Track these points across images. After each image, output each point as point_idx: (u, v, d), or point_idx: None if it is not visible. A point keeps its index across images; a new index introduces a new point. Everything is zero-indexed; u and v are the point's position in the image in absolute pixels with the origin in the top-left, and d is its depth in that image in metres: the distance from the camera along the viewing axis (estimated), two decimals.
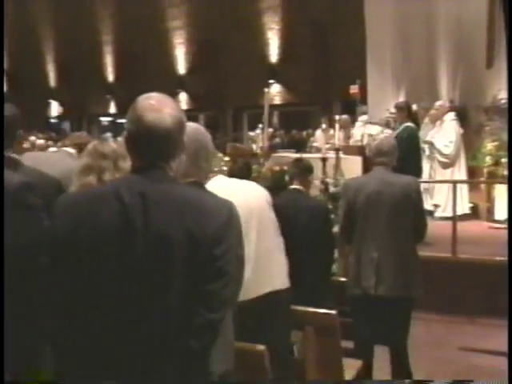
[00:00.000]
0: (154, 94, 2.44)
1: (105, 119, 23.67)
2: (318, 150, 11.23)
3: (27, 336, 2.70)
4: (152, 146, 2.38)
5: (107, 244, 2.28)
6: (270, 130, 13.77)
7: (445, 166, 10.98)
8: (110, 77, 23.36)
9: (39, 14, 24.98)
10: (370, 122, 12.33)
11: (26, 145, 8.73)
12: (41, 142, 12.44)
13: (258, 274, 3.70)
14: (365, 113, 13.01)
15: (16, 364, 2.69)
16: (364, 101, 14.23)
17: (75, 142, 5.01)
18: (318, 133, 14.09)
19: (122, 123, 19.79)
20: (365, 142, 10.56)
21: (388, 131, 10.56)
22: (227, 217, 2.39)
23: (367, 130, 11.52)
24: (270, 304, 3.82)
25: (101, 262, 2.29)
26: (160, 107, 2.38)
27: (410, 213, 5.12)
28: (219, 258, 2.31)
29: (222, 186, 3.45)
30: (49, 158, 5.50)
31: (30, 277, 2.62)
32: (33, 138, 13.66)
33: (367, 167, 7.80)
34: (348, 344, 5.01)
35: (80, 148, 4.80)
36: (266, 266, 3.79)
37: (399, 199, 5.08)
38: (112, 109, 23.19)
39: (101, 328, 2.30)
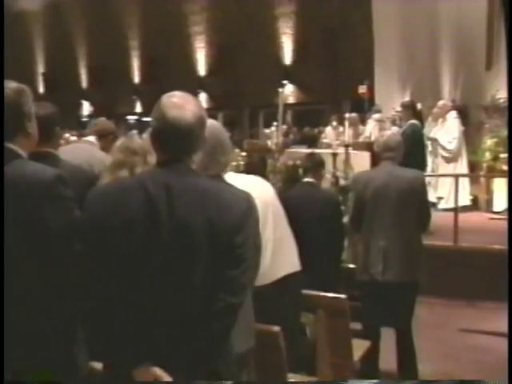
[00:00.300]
0: (176, 93, 2.44)
1: (131, 118, 23.68)
2: (329, 145, 11.24)
3: (59, 320, 2.70)
4: (174, 141, 2.38)
5: (134, 232, 2.28)
6: (284, 127, 13.74)
7: (448, 160, 10.97)
8: (136, 79, 23.43)
9: (74, 23, 25.08)
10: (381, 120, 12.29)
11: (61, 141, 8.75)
12: (73, 138, 12.52)
13: (275, 259, 3.71)
14: (379, 111, 12.94)
15: (51, 350, 2.69)
16: (371, 100, 14.21)
17: (94, 130, 4.97)
18: (328, 130, 14.07)
19: (146, 122, 19.84)
20: (373, 138, 10.55)
21: (394, 128, 10.51)
22: (246, 207, 2.39)
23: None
24: (286, 286, 3.82)
25: (129, 249, 2.29)
26: (182, 104, 2.38)
27: (415, 204, 5.10)
28: (239, 246, 2.31)
29: (235, 181, 3.45)
30: (72, 148, 5.49)
31: (62, 263, 2.60)
32: (67, 135, 13.69)
33: (375, 162, 7.79)
34: (356, 326, 5.02)
35: (100, 135, 4.79)
36: (281, 253, 3.79)
37: (405, 191, 5.06)
38: (138, 108, 23.26)
39: (130, 310, 2.30)
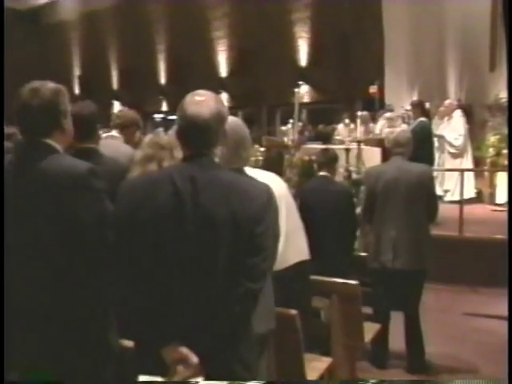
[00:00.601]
0: (199, 91, 2.44)
1: (157, 116, 23.71)
2: (341, 142, 11.16)
3: (93, 306, 2.71)
4: (195, 136, 2.38)
5: (162, 222, 2.29)
6: (300, 124, 13.66)
7: (455, 156, 10.93)
8: (163, 80, 23.45)
9: (106, 30, 25.24)
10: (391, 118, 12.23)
11: None
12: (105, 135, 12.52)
13: (288, 247, 3.69)
14: (391, 110, 12.90)
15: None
16: (382, 99, 14.15)
17: (117, 122, 4.78)
18: (341, 127, 14.01)
19: (171, 120, 19.88)
20: (383, 135, 10.50)
21: (404, 126, 10.48)
22: (266, 199, 2.37)
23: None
24: (297, 272, 3.82)
25: (157, 238, 2.30)
26: (200, 101, 2.38)
27: (423, 197, 5.09)
28: (259, 235, 2.30)
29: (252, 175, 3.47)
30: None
31: (95, 251, 2.61)
32: (100, 132, 13.73)
33: (385, 157, 7.76)
34: (368, 310, 5.03)
35: (123, 127, 4.66)
36: (294, 242, 3.79)
37: (414, 185, 5.05)
38: (164, 107, 23.29)
39: (159, 294, 2.31)
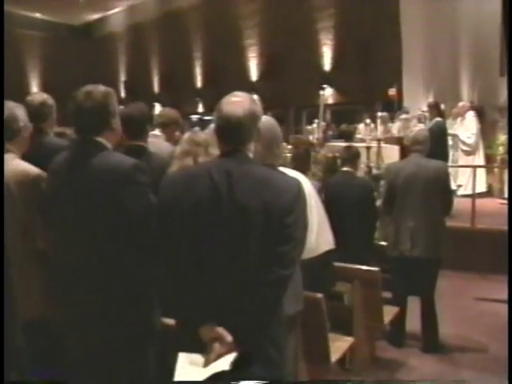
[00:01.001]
0: (236, 93, 2.43)
1: (194, 117, 23.76)
2: (362, 140, 11.10)
3: (139, 286, 2.73)
4: (230, 133, 2.36)
5: (200, 212, 2.27)
6: (324, 124, 13.65)
7: (467, 153, 10.82)
8: (199, 83, 23.52)
9: (148, 40, 25.48)
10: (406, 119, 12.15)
11: None
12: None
13: (318, 238, 3.69)
14: (407, 112, 12.81)
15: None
16: (400, 101, 14.05)
17: (159, 121, 4.70)
18: (362, 127, 13.93)
19: (207, 120, 19.94)
20: (402, 134, 10.44)
21: (420, 125, 10.39)
22: (296, 192, 2.34)
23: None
24: (325, 259, 3.81)
25: (196, 227, 2.29)
26: (235, 102, 2.37)
27: (439, 191, 5.04)
28: (289, 225, 2.26)
29: None
30: None
31: (140, 238, 2.63)
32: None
33: (403, 154, 7.71)
34: (387, 294, 5.01)
35: (164, 125, 4.62)
36: (322, 233, 3.78)
37: (431, 180, 5.00)
38: (200, 108, 23.35)
39: (198, 278, 2.30)
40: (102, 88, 2.84)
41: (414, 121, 11.76)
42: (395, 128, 12.38)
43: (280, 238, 2.26)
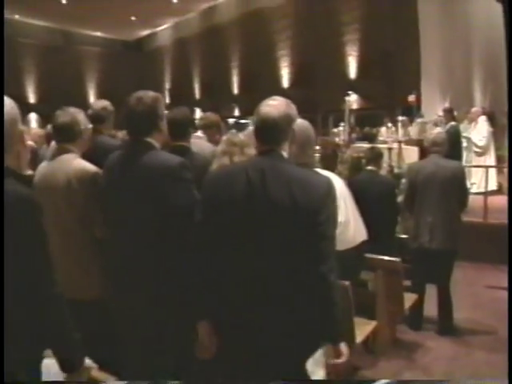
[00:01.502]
0: (274, 97, 2.39)
1: (231, 120, 23.84)
2: (384, 142, 10.97)
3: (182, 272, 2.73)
4: (265, 134, 2.32)
5: (238, 207, 2.24)
6: (349, 127, 13.59)
7: (479, 154, 10.63)
8: (236, 90, 23.60)
9: (190, 53, 25.79)
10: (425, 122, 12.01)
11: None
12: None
13: (355, 231, 3.72)
14: (422, 116, 12.67)
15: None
16: (418, 107, 13.90)
17: (201, 123, 4.69)
18: (384, 130, 13.80)
19: (243, 123, 19.99)
20: (420, 136, 10.33)
21: (438, 129, 10.26)
22: (327, 190, 2.26)
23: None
24: (358, 249, 3.80)
25: (233, 221, 2.26)
26: (272, 105, 2.32)
27: (456, 188, 4.95)
28: (321, 223, 2.18)
29: None
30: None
31: (184, 230, 2.61)
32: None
33: (422, 155, 7.61)
34: (407, 282, 4.94)
35: (206, 127, 4.60)
36: (357, 226, 3.77)
37: (449, 178, 4.92)
38: (236, 113, 23.43)
39: (235, 264, 2.28)
40: (151, 93, 2.84)
41: (430, 124, 11.60)
42: (413, 131, 12.23)
43: (312, 234, 2.18)
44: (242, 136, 3.44)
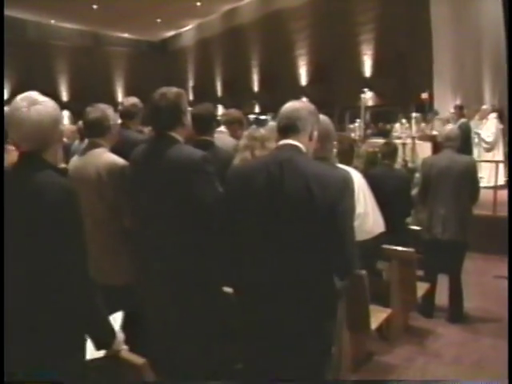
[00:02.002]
0: (298, 100, 2.40)
1: (252, 116, 23.79)
2: (398, 138, 10.89)
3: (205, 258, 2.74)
4: (286, 128, 2.31)
5: (260, 200, 2.22)
6: (364, 123, 13.49)
7: (488, 150, 10.57)
8: (256, 88, 23.55)
9: (212, 52, 25.82)
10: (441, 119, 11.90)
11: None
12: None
13: (373, 222, 3.72)
14: (436, 114, 12.55)
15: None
16: (431, 104, 13.75)
17: (224, 119, 4.67)
18: (398, 126, 13.68)
19: (263, 119, 19.95)
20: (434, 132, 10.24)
21: (450, 125, 10.15)
22: (344, 183, 2.21)
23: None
24: (376, 240, 3.79)
25: (256, 213, 2.24)
26: (294, 104, 2.34)
27: (468, 182, 4.90)
28: (338, 216, 2.14)
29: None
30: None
31: (208, 218, 2.60)
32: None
33: (435, 150, 7.53)
34: (419, 272, 4.90)
35: (229, 123, 4.57)
36: (375, 217, 3.77)
37: (462, 172, 4.86)
38: (256, 109, 23.39)
39: (255, 252, 2.26)
40: (174, 89, 2.85)
41: (443, 121, 11.49)
42: (436, 124, 12.09)
43: (332, 226, 2.14)
44: (262, 131, 3.43)
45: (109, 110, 3.21)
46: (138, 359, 2.10)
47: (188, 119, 2.89)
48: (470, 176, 4.94)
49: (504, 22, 9.54)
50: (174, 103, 2.79)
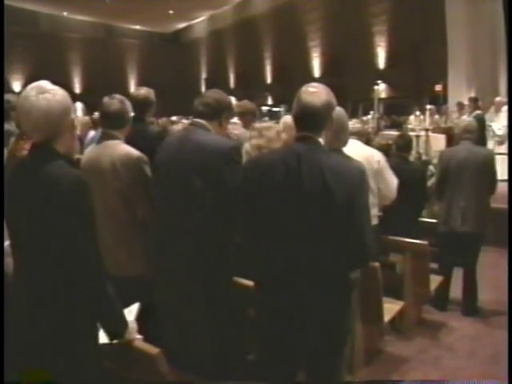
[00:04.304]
0: (313, 84, 2.33)
1: (264, 108, 23.75)
2: (412, 130, 10.83)
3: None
4: (306, 121, 2.27)
5: (278, 191, 2.23)
6: (377, 115, 13.42)
7: (499, 143, 10.40)
8: (269, 80, 23.52)
9: (226, 43, 25.78)
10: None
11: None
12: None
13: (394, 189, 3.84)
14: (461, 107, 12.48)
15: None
16: (445, 96, 13.65)
17: (238, 110, 4.62)
18: (412, 118, 13.59)
19: (275, 111, 19.94)
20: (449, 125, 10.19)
21: (464, 116, 10.09)
22: (359, 176, 2.22)
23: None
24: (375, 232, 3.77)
25: (274, 203, 2.24)
26: (313, 92, 2.26)
27: (486, 174, 4.88)
28: (356, 205, 2.16)
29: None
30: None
31: (234, 204, 2.61)
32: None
33: (449, 142, 7.47)
34: (433, 265, 4.89)
35: (242, 114, 4.58)
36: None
37: (481, 164, 4.84)
38: (269, 101, 23.35)
39: (273, 240, 2.28)
40: (220, 92, 2.95)
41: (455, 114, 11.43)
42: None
43: (346, 220, 2.15)
44: (268, 122, 3.47)
45: (127, 102, 3.22)
46: (152, 349, 2.11)
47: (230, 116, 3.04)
48: (488, 168, 4.91)
49: (504, 21, 9.43)
50: (219, 102, 2.89)
